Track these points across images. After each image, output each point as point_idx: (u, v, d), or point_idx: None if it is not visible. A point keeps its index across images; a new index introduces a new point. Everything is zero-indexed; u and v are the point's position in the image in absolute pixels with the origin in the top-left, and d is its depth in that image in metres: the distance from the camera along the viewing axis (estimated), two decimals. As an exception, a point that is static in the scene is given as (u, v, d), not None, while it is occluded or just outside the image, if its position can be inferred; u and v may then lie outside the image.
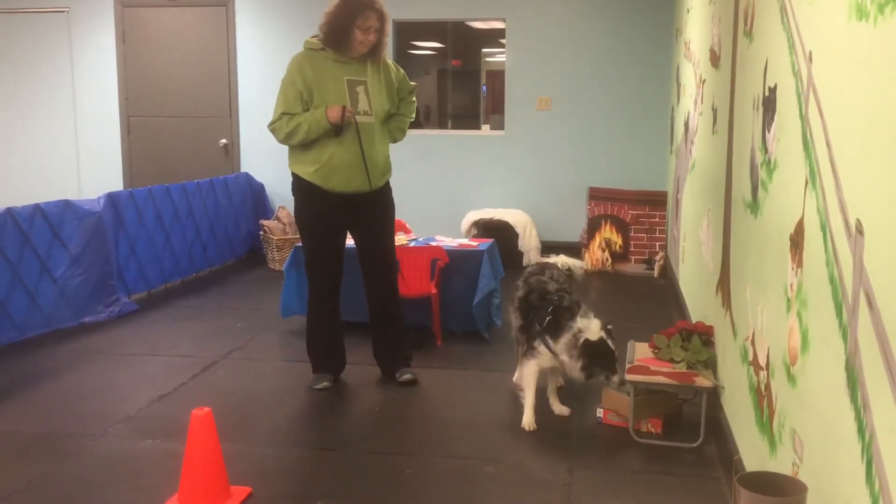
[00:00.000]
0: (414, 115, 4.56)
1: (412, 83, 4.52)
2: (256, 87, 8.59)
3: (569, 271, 4.38)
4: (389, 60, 4.43)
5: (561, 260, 4.44)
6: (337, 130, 4.16)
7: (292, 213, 8.01)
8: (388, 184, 4.46)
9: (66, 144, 9.02)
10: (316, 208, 4.32)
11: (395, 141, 4.50)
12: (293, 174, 4.35)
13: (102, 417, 4.04)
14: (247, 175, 8.32)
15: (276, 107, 4.25)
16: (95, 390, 4.46)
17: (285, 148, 9.17)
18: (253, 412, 4.16)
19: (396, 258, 4.60)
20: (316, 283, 4.43)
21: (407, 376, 4.51)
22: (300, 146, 4.25)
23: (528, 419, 3.93)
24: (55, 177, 8.97)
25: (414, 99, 4.53)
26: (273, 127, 4.26)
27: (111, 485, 3.35)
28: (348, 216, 4.34)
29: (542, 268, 4.26)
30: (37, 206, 5.38)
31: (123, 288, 6.12)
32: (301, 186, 4.33)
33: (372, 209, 4.37)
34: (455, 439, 3.85)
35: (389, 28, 4.27)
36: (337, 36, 4.16)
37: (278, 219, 7.87)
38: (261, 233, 7.85)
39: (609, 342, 3.74)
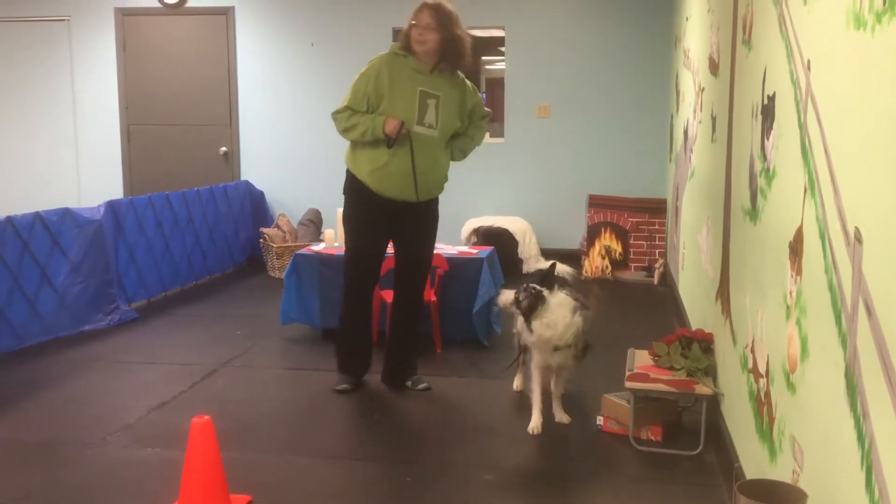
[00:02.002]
0: (481, 142, 4.56)
1: (487, 109, 4.55)
2: (256, 95, 8.61)
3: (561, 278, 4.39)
4: (469, 83, 4.46)
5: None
6: (388, 142, 4.19)
7: (292, 221, 8.08)
8: (436, 198, 4.48)
9: (67, 152, 9.03)
10: (364, 210, 4.36)
11: (453, 160, 4.51)
12: (348, 173, 4.39)
13: (102, 425, 4.04)
14: (246, 183, 8.33)
15: (345, 97, 4.29)
16: (95, 398, 4.45)
17: (285, 156, 9.15)
18: (253, 420, 4.15)
19: (426, 278, 4.61)
20: (351, 283, 4.48)
21: (423, 384, 4.55)
22: (360, 146, 4.29)
23: (533, 423, 3.93)
24: (55, 185, 8.98)
25: (484, 125, 4.55)
26: (335, 116, 4.30)
27: (111, 493, 3.35)
28: (393, 223, 4.38)
29: (563, 283, 4.22)
30: (37, 214, 5.38)
31: (123, 296, 6.12)
32: (354, 187, 4.37)
33: (417, 219, 4.40)
34: (455, 447, 3.85)
35: (461, 34, 4.27)
36: (404, 39, 4.25)
37: (278, 226, 7.87)
38: (260, 240, 7.86)
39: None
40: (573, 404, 4.24)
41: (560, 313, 3.87)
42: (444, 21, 4.20)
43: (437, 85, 4.28)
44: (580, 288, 4.44)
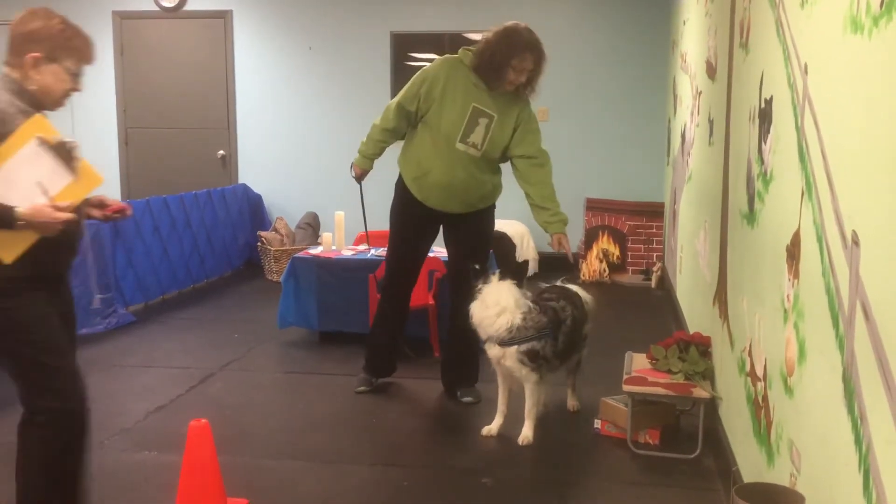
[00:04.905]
0: (549, 179, 4.41)
1: (539, 147, 4.30)
2: (254, 98, 8.61)
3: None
4: (534, 107, 4.28)
5: (575, 288, 4.40)
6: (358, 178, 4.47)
7: (290, 225, 8.08)
8: (489, 207, 4.41)
9: (64, 156, 9.01)
10: (408, 212, 4.34)
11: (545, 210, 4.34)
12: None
13: (99, 429, 4.00)
14: (244, 186, 8.33)
15: (403, 92, 4.21)
16: (92, 402, 4.40)
17: (282, 160, 9.11)
18: (250, 424, 4.15)
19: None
20: (388, 282, 4.48)
21: (468, 398, 4.41)
22: (409, 149, 4.29)
23: (489, 425, 3.95)
24: (53, 188, 8.96)
25: (544, 167, 4.38)
26: (385, 111, 4.28)
27: (108, 497, 3.34)
28: (438, 228, 4.39)
29: (566, 296, 4.14)
30: (34, 218, 5.37)
31: (121, 299, 6.11)
32: (401, 187, 4.36)
33: (464, 228, 4.34)
34: (453, 451, 3.85)
35: (543, 69, 4.11)
36: (490, 68, 4.03)
37: (276, 230, 7.87)
38: (258, 244, 7.85)
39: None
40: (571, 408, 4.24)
41: (495, 298, 3.82)
42: (539, 66, 4.07)
43: (495, 104, 4.10)
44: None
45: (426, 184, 4.20)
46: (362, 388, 4.53)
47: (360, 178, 4.50)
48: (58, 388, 2.69)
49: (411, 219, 4.34)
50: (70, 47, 2.63)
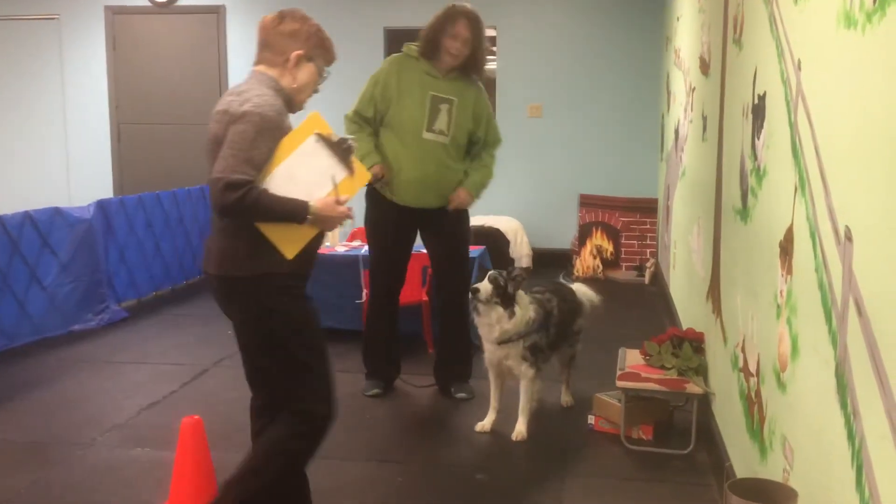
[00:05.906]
0: (490, 170, 4.34)
1: (498, 136, 4.35)
2: (247, 94, 8.58)
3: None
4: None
5: (577, 287, 4.41)
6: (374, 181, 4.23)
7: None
8: None
9: (57, 152, 9.00)
10: (382, 217, 4.29)
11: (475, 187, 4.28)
12: None
13: (92, 426, 4.02)
14: (238, 182, 8.29)
15: (357, 101, 4.22)
16: (85, 398, 4.43)
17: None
18: (243, 420, 4.10)
19: (468, 272, 4.50)
20: (376, 290, 4.42)
21: (461, 394, 4.40)
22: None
23: (482, 421, 3.96)
24: (45, 184, 8.94)
25: (494, 156, 4.37)
26: (346, 124, 4.23)
27: (101, 493, 3.33)
28: (417, 226, 4.34)
29: (555, 290, 4.17)
30: (26, 214, 5.35)
31: (113, 296, 6.09)
32: (369, 193, 4.30)
33: (441, 223, 4.29)
34: (446, 447, 3.85)
35: (485, 44, 4.13)
36: (430, 45, 4.11)
37: (269, 226, 7.84)
38: (252, 240, 7.83)
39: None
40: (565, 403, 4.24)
41: (522, 302, 3.87)
42: (480, 35, 4.09)
43: (451, 89, 4.14)
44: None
45: (399, 181, 4.18)
46: (375, 391, 4.46)
47: (380, 176, 4.20)
48: (324, 393, 2.78)
49: (386, 226, 4.30)
50: (325, 48, 2.70)
